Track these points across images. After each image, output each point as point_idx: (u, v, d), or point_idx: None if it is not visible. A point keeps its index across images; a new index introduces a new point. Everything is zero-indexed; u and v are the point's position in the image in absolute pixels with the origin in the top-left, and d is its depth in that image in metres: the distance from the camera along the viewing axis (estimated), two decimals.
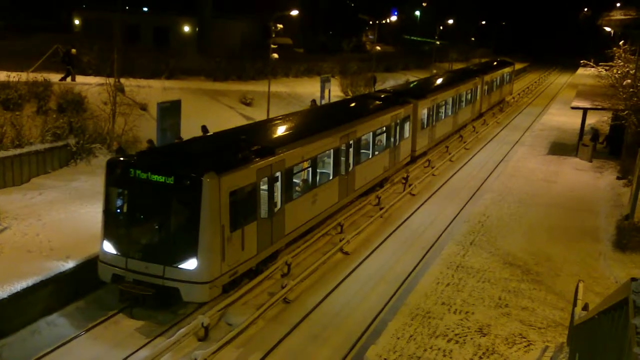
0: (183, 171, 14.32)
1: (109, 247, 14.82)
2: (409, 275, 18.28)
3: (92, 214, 18.39)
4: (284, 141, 18.25)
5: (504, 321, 14.15)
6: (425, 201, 25.86)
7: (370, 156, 24.43)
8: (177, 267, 14.17)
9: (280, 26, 32.83)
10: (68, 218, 18.32)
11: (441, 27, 73.60)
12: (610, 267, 17.85)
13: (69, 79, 30.27)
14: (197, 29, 59.37)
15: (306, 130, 20.11)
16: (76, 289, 15.38)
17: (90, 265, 15.30)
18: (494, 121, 48.05)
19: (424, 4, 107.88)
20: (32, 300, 14.19)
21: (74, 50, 31.35)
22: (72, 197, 20.20)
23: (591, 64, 34.03)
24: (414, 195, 26.42)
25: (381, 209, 23.52)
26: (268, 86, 33.86)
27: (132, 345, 13.70)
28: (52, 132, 23.22)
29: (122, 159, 15.47)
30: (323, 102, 37.35)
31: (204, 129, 23.94)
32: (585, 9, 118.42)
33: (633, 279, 7.04)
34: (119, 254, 14.67)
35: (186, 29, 60.58)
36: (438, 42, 72.90)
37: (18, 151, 21.19)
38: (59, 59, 31.58)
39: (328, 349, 14.16)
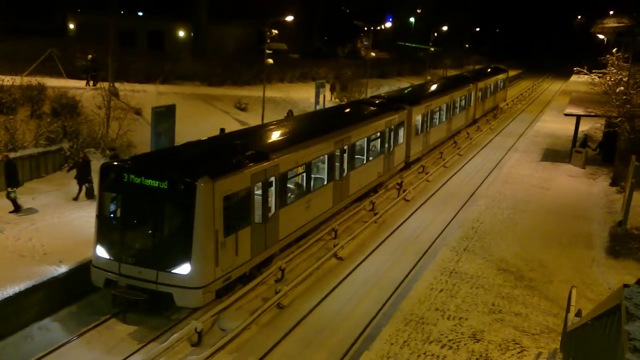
0: (177, 176, 14.29)
1: (102, 252, 14.76)
2: (403, 281, 18.28)
3: (86, 218, 18.33)
4: (279, 146, 18.26)
5: (497, 327, 14.17)
6: (420, 207, 25.90)
7: (365, 162, 24.46)
8: (170, 272, 14.12)
9: (275, 31, 32.90)
10: (61, 222, 18.25)
11: (435, 34, 73.86)
12: (603, 273, 17.91)
13: (91, 83, 30.85)
14: (192, 34, 59.37)
15: (300, 136, 20.13)
16: (69, 294, 15.30)
17: (83, 270, 15.23)
18: (488, 127, 48.23)
19: (418, 11, 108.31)
20: (25, 304, 14.12)
21: (90, 56, 31.57)
22: (65, 201, 20.13)
23: (584, 71, 34.23)
24: (408, 200, 26.45)
25: (375, 214, 23.54)
26: (263, 91, 33.90)
27: (125, 351, 13.65)
28: (46, 136, 23.17)
29: (116, 163, 15.43)
30: (317, 107, 37.39)
31: (222, 132, 24.19)
32: (579, 17, 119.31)
33: (625, 286, 7.07)
34: (112, 258, 14.61)
35: (181, 33, 60.59)
36: (432, 49, 73.17)
37: (11, 155, 21.10)
38: (87, 66, 32.10)
39: (322, 354, 14.14)
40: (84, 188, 20.55)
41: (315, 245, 20.33)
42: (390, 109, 27.76)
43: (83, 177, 20.49)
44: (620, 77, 30.08)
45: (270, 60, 33.14)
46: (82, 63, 32.37)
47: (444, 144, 38.61)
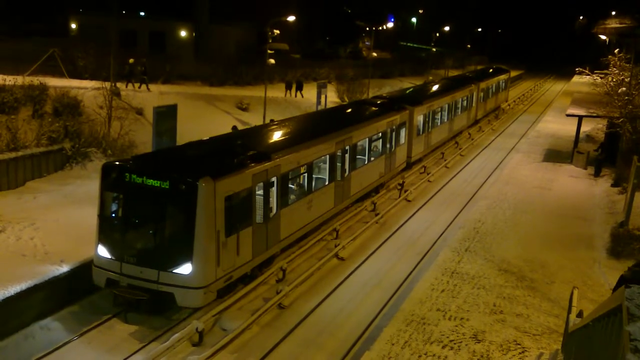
0: (178, 175, 14.29)
1: (103, 252, 14.77)
2: (404, 281, 18.27)
3: (87, 218, 18.31)
4: (280, 146, 18.26)
5: (498, 328, 14.15)
6: (421, 207, 25.88)
7: (366, 162, 24.45)
8: (171, 271, 14.13)
9: (277, 32, 32.93)
10: (63, 222, 18.25)
11: (437, 34, 73.92)
12: (604, 274, 17.89)
13: (145, 86, 31.96)
14: (194, 34, 59.43)
15: (302, 136, 20.13)
16: (70, 293, 15.32)
17: (84, 270, 15.24)
18: (490, 128, 48.20)
19: (420, 11, 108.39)
20: (26, 304, 14.12)
21: (144, 59, 32.16)
22: (67, 201, 20.14)
23: (586, 71, 34.22)
24: (409, 201, 26.44)
25: (377, 214, 23.53)
26: (264, 91, 33.90)
27: (126, 350, 13.65)
28: (48, 136, 23.17)
29: (117, 163, 15.44)
30: (319, 107, 37.39)
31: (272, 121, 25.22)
32: (581, 17, 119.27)
33: (627, 286, 7.04)
34: (113, 258, 14.62)
35: (183, 34, 60.63)
36: (434, 49, 73.24)
37: (13, 155, 21.14)
38: (141, 71, 33.42)
39: (323, 354, 14.13)
40: None
41: (317, 246, 20.32)
42: (392, 110, 27.74)
43: None
44: (622, 77, 30.10)
45: (272, 61, 33.16)
46: (139, 69, 33.87)
47: (446, 145, 38.58)
